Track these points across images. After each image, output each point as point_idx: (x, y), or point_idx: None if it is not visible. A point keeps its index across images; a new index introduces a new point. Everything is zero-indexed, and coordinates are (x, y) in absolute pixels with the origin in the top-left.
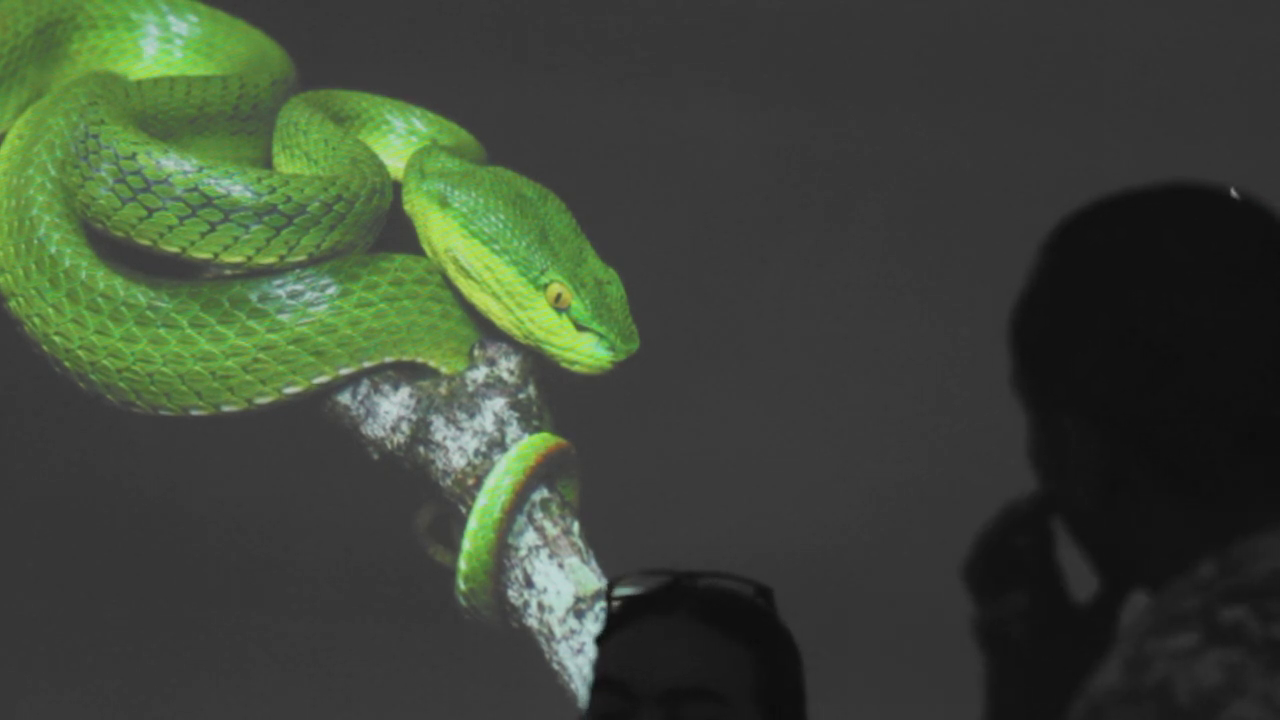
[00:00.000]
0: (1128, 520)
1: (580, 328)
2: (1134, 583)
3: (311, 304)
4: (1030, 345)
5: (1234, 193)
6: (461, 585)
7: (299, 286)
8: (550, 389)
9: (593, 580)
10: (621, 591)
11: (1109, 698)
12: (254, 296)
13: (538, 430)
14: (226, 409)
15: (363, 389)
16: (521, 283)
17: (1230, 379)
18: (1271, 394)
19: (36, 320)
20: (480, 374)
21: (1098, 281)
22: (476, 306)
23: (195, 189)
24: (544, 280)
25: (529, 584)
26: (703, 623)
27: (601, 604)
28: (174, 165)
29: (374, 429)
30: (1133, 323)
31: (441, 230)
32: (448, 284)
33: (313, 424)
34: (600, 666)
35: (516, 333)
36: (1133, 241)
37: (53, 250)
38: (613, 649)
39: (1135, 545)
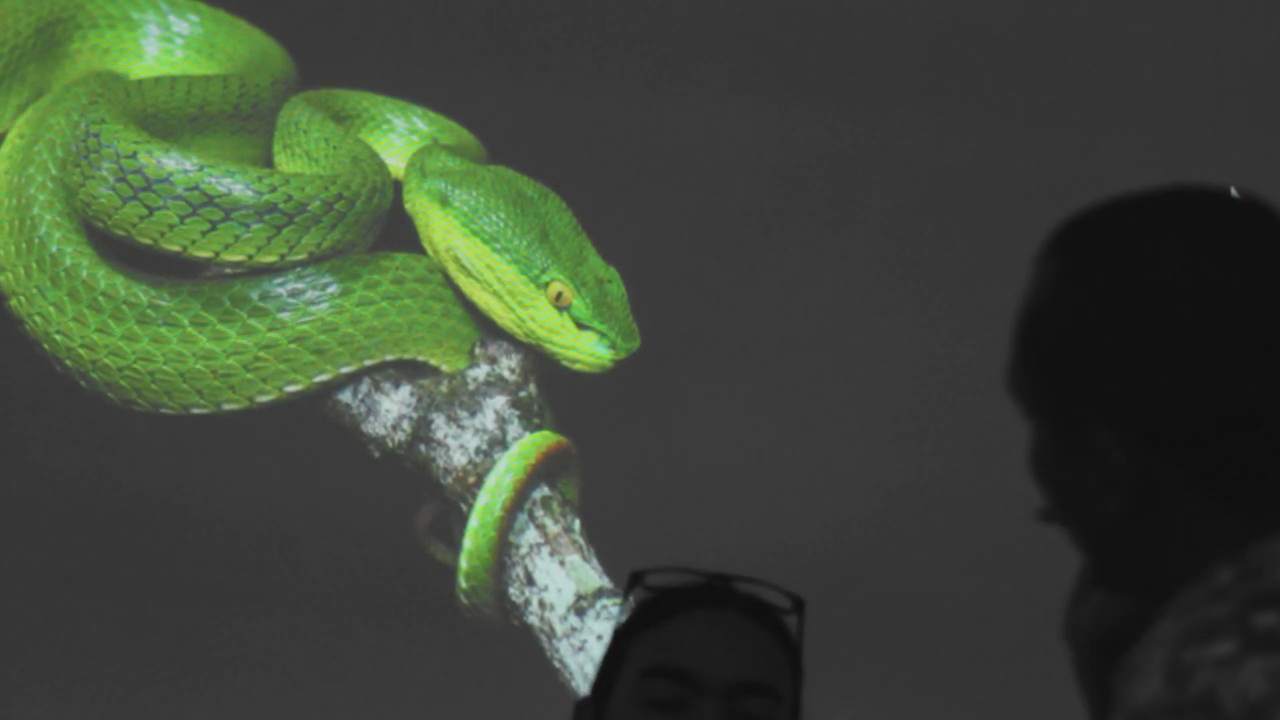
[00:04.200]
0: (1154, 529)
1: (581, 326)
2: (1151, 592)
3: (313, 302)
4: (1047, 354)
5: (1236, 193)
6: (463, 583)
7: (300, 285)
8: (551, 387)
9: (593, 578)
10: (656, 582)
11: (1154, 709)
12: (255, 295)
13: (538, 428)
14: (228, 407)
15: (364, 387)
16: (522, 281)
17: (1263, 384)
18: None
19: (37, 319)
20: (481, 372)
21: (1126, 291)
22: (477, 305)
23: (196, 188)
24: (545, 279)
25: (530, 582)
26: (755, 621)
27: (604, 600)
28: (175, 164)
29: (375, 427)
30: (1162, 331)
31: (442, 229)
32: (448, 283)
33: (313, 422)
34: (653, 654)
35: (517, 331)
36: (1159, 250)
37: (53, 249)
38: (670, 638)
39: (1158, 554)
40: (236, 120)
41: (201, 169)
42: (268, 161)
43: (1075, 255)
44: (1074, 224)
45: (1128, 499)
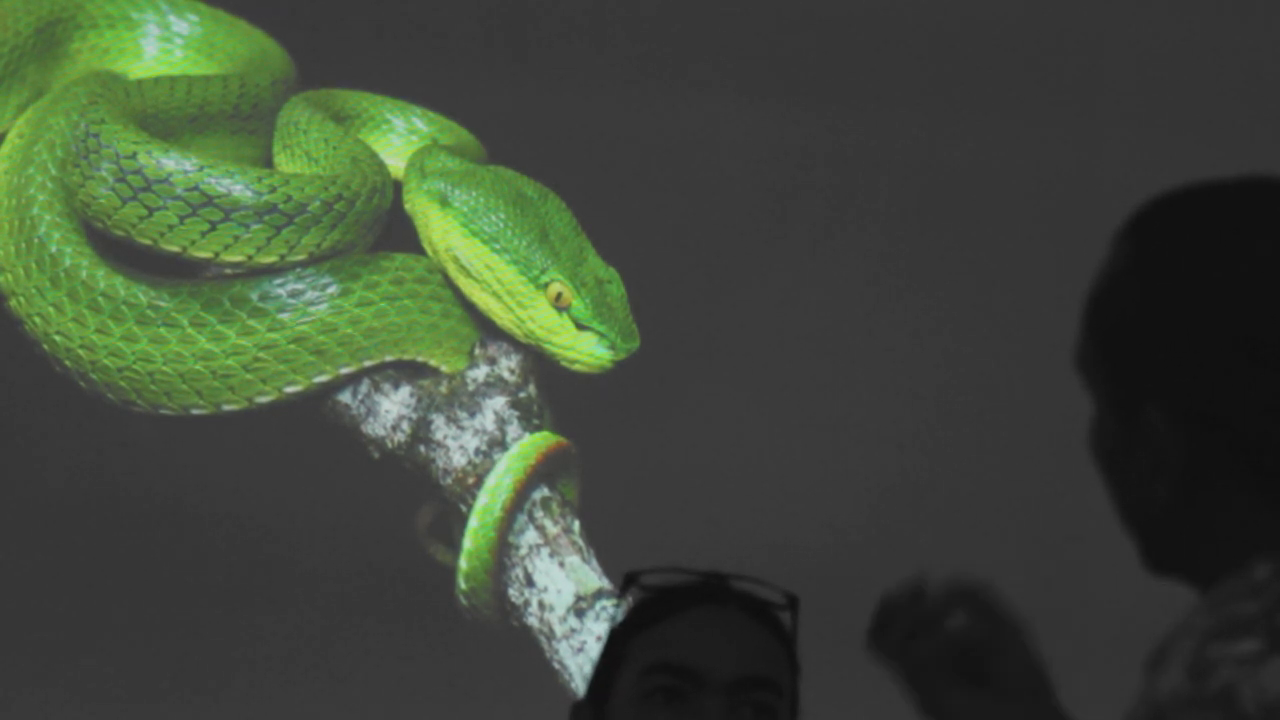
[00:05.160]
0: (1200, 517)
1: (581, 327)
2: (1189, 579)
3: (312, 303)
4: (1112, 333)
5: None
6: (462, 584)
7: (300, 285)
8: (550, 388)
9: (593, 579)
10: (652, 581)
11: (1173, 701)
12: (255, 296)
13: (538, 429)
14: (227, 408)
15: (363, 388)
16: (522, 282)
17: None
18: None
19: (37, 319)
20: (481, 373)
21: (1191, 274)
22: (477, 305)
23: (196, 188)
24: (544, 279)
25: (529, 583)
26: (754, 617)
27: (604, 602)
28: (174, 164)
29: (374, 428)
30: (1228, 317)
31: (442, 229)
32: (448, 283)
33: (313, 423)
34: (654, 652)
35: (517, 332)
36: (1228, 235)
37: (53, 249)
38: (671, 635)
39: (1201, 543)
40: (236, 120)
41: (201, 169)
42: (268, 162)
43: (1146, 238)
44: (1149, 207)
45: (1176, 483)
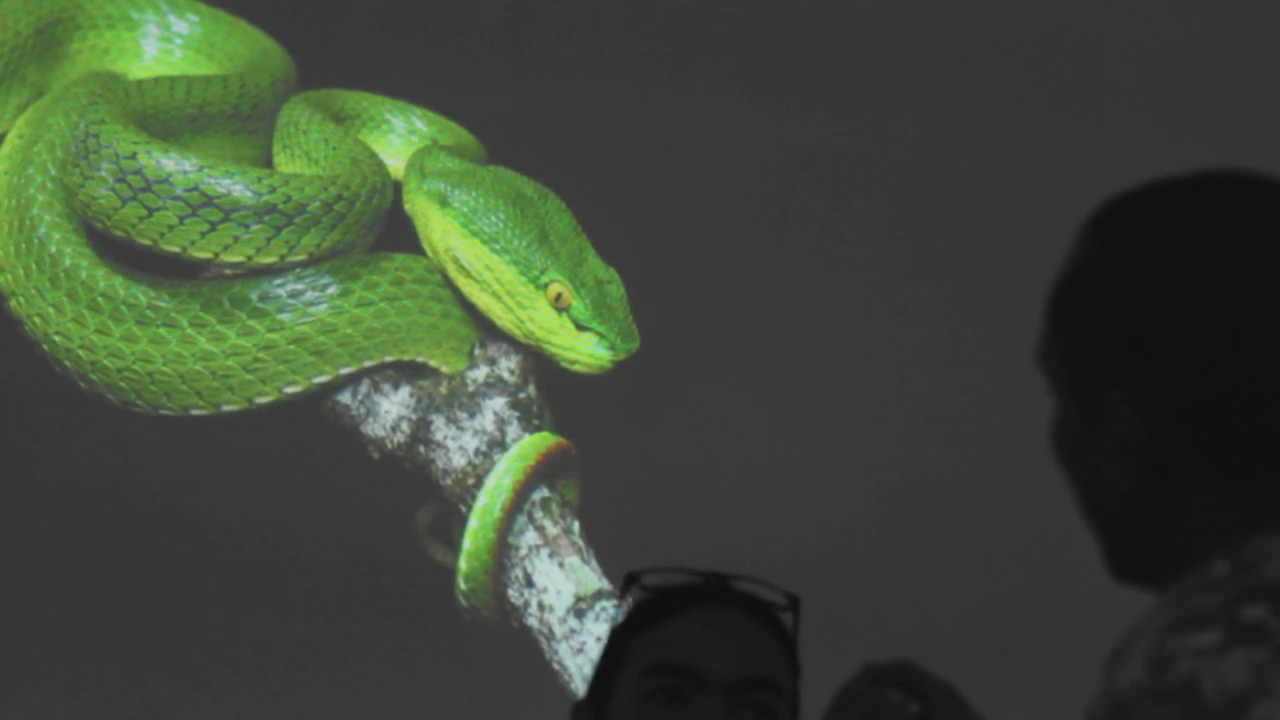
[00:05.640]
0: (1161, 507)
1: (580, 327)
2: (1150, 581)
3: (312, 303)
4: (1076, 322)
5: None
6: (462, 585)
7: (299, 286)
8: (550, 388)
9: (593, 580)
10: (653, 582)
11: (1133, 694)
12: (254, 296)
13: (538, 429)
14: (227, 408)
15: (363, 388)
16: (522, 282)
17: None
18: None
19: (37, 320)
20: (480, 373)
21: (1159, 263)
22: (477, 306)
23: (196, 188)
24: (544, 280)
25: (529, 583)
26: (755, 618)
27: (603, 602)
28: (174, 165)
29: (374, 428)
30: (1196, 306)
31: (442, 229)
32: (448, 283)
33: (313, 423)
34: (656, 652)
35: (517, 332)
36: (1196, 226)
37: (53, 250)
38: (672, 636)
39: (1162, 536)
40: (236, 120)
41: (201, 170)
42: (267, 162)
43: (1113, 230)
44: (1115, 201)
45: (1140, 469)
